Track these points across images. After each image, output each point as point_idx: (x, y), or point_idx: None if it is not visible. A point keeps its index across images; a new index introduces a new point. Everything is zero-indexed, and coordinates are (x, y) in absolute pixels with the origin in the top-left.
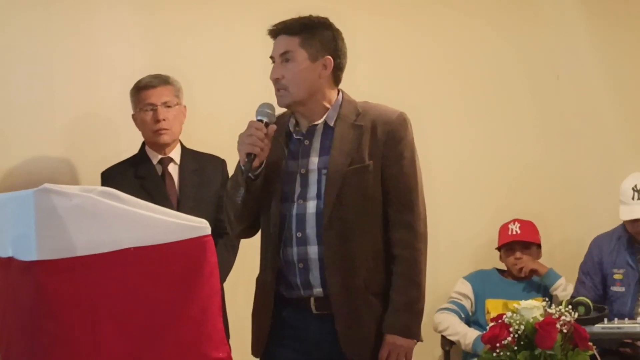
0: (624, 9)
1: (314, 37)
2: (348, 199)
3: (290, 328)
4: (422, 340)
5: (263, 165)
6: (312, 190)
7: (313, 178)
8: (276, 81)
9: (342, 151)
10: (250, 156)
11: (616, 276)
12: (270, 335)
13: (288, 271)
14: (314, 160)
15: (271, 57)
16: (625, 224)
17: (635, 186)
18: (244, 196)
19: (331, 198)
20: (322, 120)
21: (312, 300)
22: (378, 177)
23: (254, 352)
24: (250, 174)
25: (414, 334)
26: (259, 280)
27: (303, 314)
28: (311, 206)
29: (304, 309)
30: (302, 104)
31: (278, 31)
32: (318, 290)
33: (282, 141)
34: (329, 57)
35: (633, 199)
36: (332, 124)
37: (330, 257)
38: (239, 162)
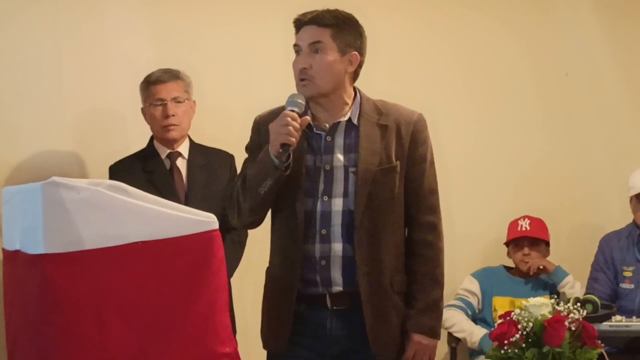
0: (635, 6)
1: (344, 31)
2: (377, 199)
3: (306, 325)
4: (440, 339)
5: (291, 157)
6: (339, 187)
7: (339, 175)
8: (302, 71)
9: (370, 150)
10: (285, 147)
11: (626, 273)
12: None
13: (307, 268)
14: (340, 158)
15: (296, 46)
16: (637, 217)
17: None
18: (270, 188)
19: (362, 197)
20: (346, 117)
21: (327, 296)
22: (402, 177)
23: (270, 348)
24: (282, 166)
25: (438, 334)
26: (271, 275)
27: (319, 310)
28: (337, 204)
29: (319, 305)
30: (325, 97)
31: (308, 21)
32: (337, 288)
33: (304, 135)
34: (356, 53)
35: None
36: (355, 121)
37: (361, 256)
38: (264, 152)
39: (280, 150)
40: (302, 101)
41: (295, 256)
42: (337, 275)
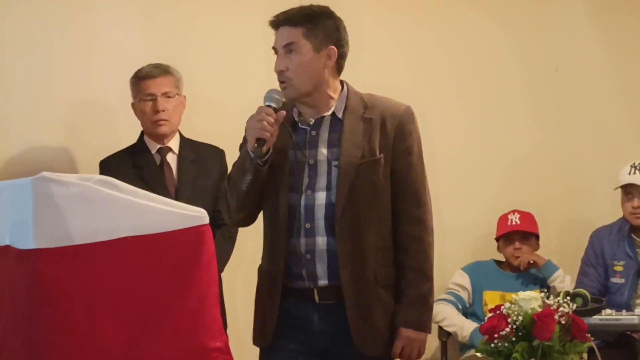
0: (625, 0)
1: (317, 27)
2: (360, 191)
3: (293, 318)
4: (430, 333)
5: (270, 152)
6: (322, 181)
7: (322, 169)
8: (280, 73)
9: (353, 144)
10: (260, 141)
11: (616, 268)
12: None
13: (293, 262)
14: (323, 152)
15: (274, 49)
16: (624, 209)
17: (634, 163)
18: (250, 183)
19: (344, 190)
20: (330, 111)
21: (315, 290)
22: (387, 170)
23: (257, 342)
24: (258, 160)
25: (427, 327)
26: (262, 270)
27: (306, 304)
28: (320, 197)
29: (307, 299)
30: (308, 95)
31: (280, 22)
32: (323, 282)
33: (287, 131)
34: (333, 47)
35: (630, 174)
36: (340, 115)
37: (343, 249)
38: (244, 148)
39: (256, 145)
40: (279, 96)
41: (279, 249)
42: (321, 269)
